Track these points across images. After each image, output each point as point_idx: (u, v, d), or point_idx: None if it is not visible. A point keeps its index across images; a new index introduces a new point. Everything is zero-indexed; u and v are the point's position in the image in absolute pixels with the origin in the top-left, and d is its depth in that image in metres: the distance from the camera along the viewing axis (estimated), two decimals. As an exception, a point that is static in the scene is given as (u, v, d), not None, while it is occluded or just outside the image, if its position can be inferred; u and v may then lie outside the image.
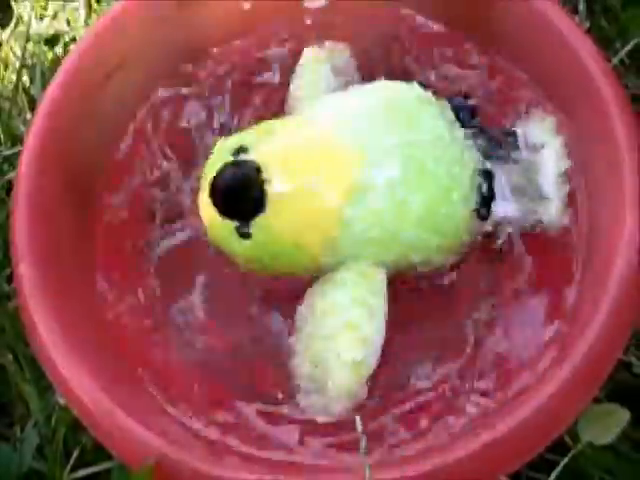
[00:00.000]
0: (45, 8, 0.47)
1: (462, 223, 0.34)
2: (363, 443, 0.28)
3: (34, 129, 0.37)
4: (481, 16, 0.39)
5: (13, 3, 0.48)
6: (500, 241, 0.35)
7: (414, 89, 0.35)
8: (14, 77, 0.45)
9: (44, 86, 0.43)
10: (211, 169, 0.32)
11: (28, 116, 0.43)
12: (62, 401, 0.37)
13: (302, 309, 0.34)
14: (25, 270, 0.34)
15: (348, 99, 0.35)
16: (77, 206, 0.37)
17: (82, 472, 0.36)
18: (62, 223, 0.36)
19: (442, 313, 0.35)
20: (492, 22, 0.39)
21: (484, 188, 0.34)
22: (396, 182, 0.32)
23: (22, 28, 0.46)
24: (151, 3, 0.40)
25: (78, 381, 0.32)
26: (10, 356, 0.39)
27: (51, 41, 0.45)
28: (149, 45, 0.40)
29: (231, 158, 0.32)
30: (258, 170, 0.31)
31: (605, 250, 0.33)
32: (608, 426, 0.30)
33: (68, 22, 0.47)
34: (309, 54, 0.39)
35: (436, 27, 0.40)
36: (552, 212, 0.35)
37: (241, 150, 0.32)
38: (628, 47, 0.40)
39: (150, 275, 0.37)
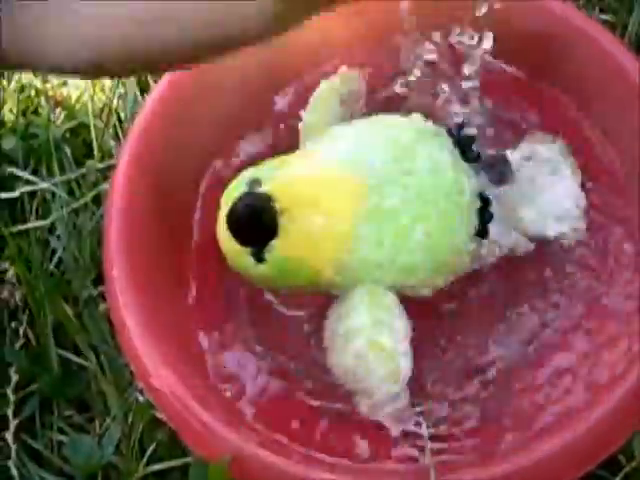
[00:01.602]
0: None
1: (462, 245, 0.36)
2: (427, 446, 0.30)
3: (129, 146, 0.40)
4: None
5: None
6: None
7: (413, 122, 0.37)
8: (103, 96, 0.49)
9: (135, 106, 0.47)
10: (227, 199, 0.35)
11: (118, 131, 0.47)
12: (141, 399, 0.40)
13: (326, 332, 0.36)
14: (117, 274, 0.37)
15: (351, 133, 0.38)
16: (166, 219, 0.40)
17: (157, 466, 0.38)
18: (152, 233, 0.39)
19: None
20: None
21: (482, 212, 0.36)
22: (398, 210, 0.35)
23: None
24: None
25: (162, 377, 0.35)
26: (93, 356, 0.42)
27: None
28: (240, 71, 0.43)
29: (246, 189, 0.35)
30: (270, 201, 0.34)
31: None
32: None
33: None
34: (324, 86, 0.41)
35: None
36: (566, 229, 0.37)
37: (255, 182, 0.35)
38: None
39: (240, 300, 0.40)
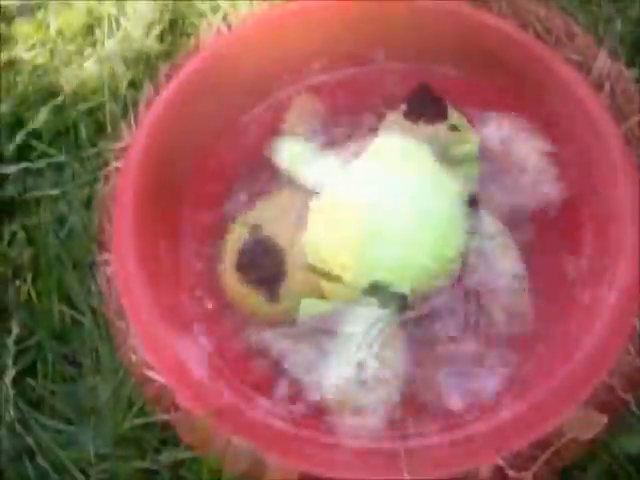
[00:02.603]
0: (151, 27, 0.56)
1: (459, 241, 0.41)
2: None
3: (142, 131, 0.44)
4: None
5: (121, 19, 0.56)
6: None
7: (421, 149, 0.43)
8: (114, 84, 0.53)
9: (147, 94, 0.51)
10: (232, 247, 0.40)
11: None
12: (133, 358, 0.44)
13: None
14: (124, 241, 0.41)
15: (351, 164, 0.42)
16: (167, 195, 0.45)
17: (144, 420, 0.42)
18: (155, 206, 0.43)
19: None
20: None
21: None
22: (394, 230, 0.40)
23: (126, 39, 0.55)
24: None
25: (160, 336, 0.39)
26: (91, 316, 0.46)
27: (158, 56, 0.53)
28: (239, 73, 0.48)
29: (248, 237, 0.39)
30: (273, 243, 0.38)
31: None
32: (589, 426, 0.37)
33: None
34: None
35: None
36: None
37: (256, 228, 0.39)
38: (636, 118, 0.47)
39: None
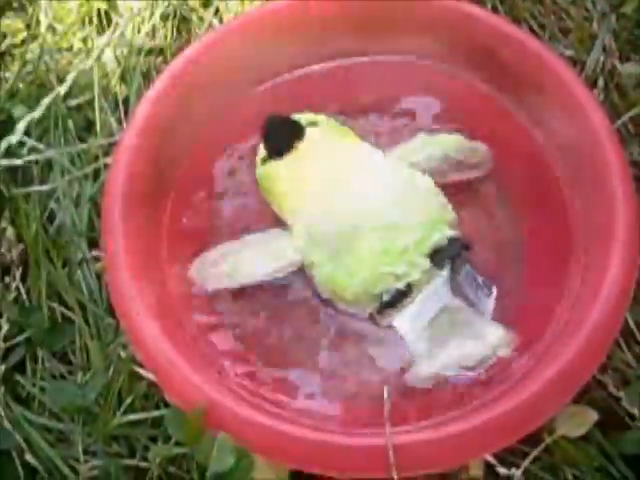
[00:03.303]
0: (143, 23, 0.56)
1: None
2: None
3: (133, 127, 0.44)
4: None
5: (112, 14, 0.56)
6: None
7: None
8: (105, 80, 0.53)
9: (138, 89, 0.51)
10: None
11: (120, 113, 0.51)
12: (123, 354, 0.44)
13: None
14: (114, 239, 0.41)
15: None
16: (155, 191, 0.44)
17: (132, 417, 0.42)
18: (145, 199, 0.43)
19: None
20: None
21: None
22: None
23: (117, 34, 0.54)
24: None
25: (148, 332, 0.39)
26: (80, 313, 0.46)
27: (149, 52, 0.54)
28: (229, 69, 0.48)
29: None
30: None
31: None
32: (580, 423, 0.37)
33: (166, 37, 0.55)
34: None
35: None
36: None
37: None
38: (630, 114, 0.47)
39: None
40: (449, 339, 0.39)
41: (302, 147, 0.43)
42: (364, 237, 0.39)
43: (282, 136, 0.43)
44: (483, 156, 0.45)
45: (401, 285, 0.39)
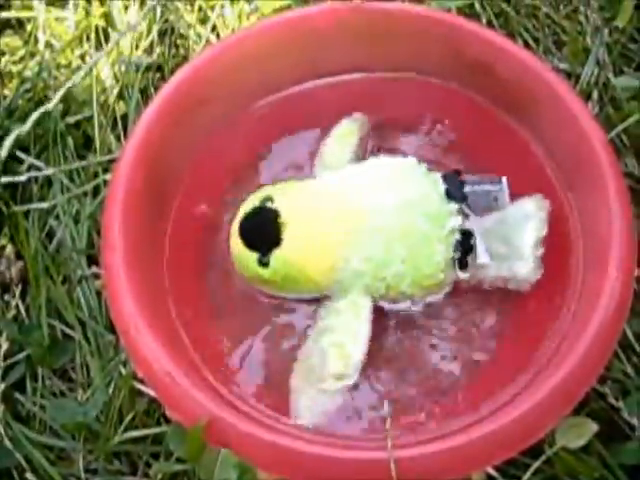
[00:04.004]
0: (140, 39, 0.56)
1: (440, 265, 0.41)
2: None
3: (132, 143, 0.44)
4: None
5: (110, 30, 0.57)
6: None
7: (411, 163, 0.44)
8: (104, 97, 0.53)
9: (137, 106, 0.51)
10: (243, 211, 0.42)
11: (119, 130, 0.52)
12: (124, 371, 0.44)
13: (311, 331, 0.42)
14: (114, 254, 0.41)
15: (357, 169, 0.44)
16: (155, 208, 0.45)
17: (134, 433, 0.42)
18: (145, 217, 0.43)
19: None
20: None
21: (464, 243, 0.42)
22: (386, 229, 0.41)
23: (115, 51, 0.55)
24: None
25: (149, 348, 0.39)
26: (80, 330, 0.46)
27: (147, 69, 0.54)
28: (227, 84, 0.48)
29: (258, 204, 0.42)
30: (277, 215, 0.41)
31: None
32: (580, 434, 0.37)
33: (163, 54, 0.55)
34: (344, 125, 0.47)
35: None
36: (524, 269, 0.42)
37: (267, 199, 0.42)
38: (624, 126, 0.48)
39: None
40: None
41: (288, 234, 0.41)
42: (394, 240, 0.41)
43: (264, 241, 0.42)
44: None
45: (457, 236, 0.42)
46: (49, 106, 0.50)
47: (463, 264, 0.42)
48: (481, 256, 0.41)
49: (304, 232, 0.41)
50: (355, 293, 0.41)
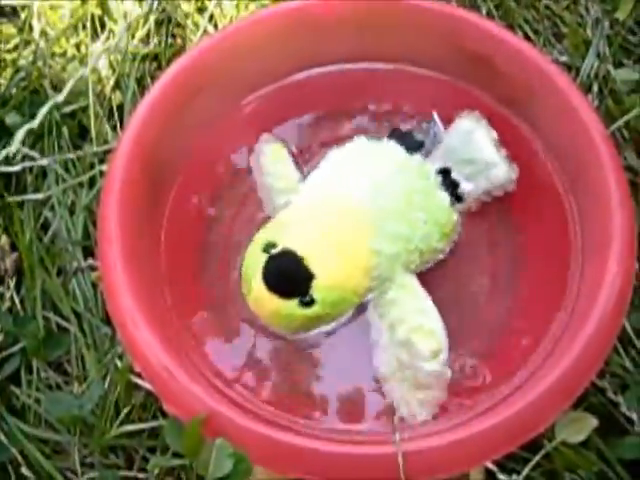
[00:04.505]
0: (137, 28, 0.55)
1: (449, 208, 0.43)
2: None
3: (128, 134, 0.44)
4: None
5: (106, 19, 0.56)
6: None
7: (365, 141, 0.44)
8: (100, 86, 0.53)
9: (133, 96, 0.51)
10: (252, 269, 0.39)
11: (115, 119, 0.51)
12: (119, 364, 0.43)
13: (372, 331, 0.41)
14: (110, 246, 0.40)
15: (329, 171, 0.43)
16: (152, 199, 0.44)
17: (130, 427, 0.42)
18: (141, 209, 0.43)
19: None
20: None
21: (447, 180, 0.43)
22: (393, 204, 0.41)
23: (111, 40, 0.54)
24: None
25: (146, 342, 0.38)
26: (76, 323, 0.45)
27: (144, 58, 0.53)
28: (225, 75, 0.47)
29: (265, 255, 0.39)
30: (293, 254, 0.38)
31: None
32: (580, 429, 0.37)
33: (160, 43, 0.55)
34: (265, 148, 0.46)
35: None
36: (500, 173, 0.44)
37: (270, 246, 0.39)
38: (624, 119, 0.48)
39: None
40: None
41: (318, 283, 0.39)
42: (406, 209, 0.42)
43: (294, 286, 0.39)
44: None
45: (439, 178, 0.43)
46: (58, 98, 0.49)
47: (458, 198, 0.43)
48: (463, 184, 0.44)
49: (326, 250, 0.39)
50: (398, 277, 0.41)
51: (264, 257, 0.39)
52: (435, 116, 0.46)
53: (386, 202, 0.41)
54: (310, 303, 0.39)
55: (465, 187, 0.44)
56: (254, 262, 0.39)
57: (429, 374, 0.38)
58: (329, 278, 0.39)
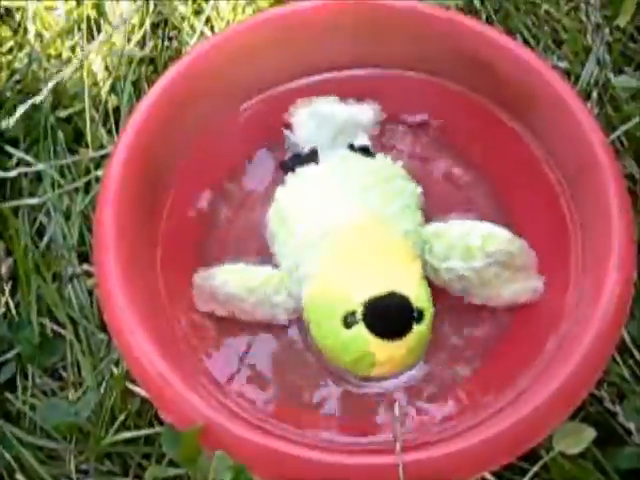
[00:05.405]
0: (133, 31, 0.55)
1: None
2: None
3: (124, 139, 0.43)
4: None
5: (102, 22, 0.55)
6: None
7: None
8: (95, 90, 0.52)
9: (129, 99, 0.50)
10: (333, 340, 0.39)
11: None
12: (115, 371, 0.43)
13: None
14: (106, 252, 0.40)
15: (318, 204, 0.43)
16: (148, 204, 0.44)
17: (126, 434, 0.41)
18: (137, 214, 0.43)
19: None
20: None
21: None
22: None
23: (107, 43, 0.54)
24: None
25: (142, 348, 0.38)
26: (71, 329, 0.45)
27: (140, 61, 0.53)
28: (223, 79, 0.47)
29: (343, 328, 0.39)
30: (401, 297, 0.39)
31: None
32: (578, 440, 0.37)
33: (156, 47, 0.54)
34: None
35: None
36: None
37: (350, 314, 0.38)
38: (624, 127, 0.48)
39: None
40: None
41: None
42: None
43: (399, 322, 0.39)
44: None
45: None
46: (37, 99, 0.49)
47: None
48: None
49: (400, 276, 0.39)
50: None
51: (341, 333, 0.38)
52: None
53: (376, 206, 0.41)
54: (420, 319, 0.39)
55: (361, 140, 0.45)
56: (333, 334, 0.39)
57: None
58: (420, 299, 0.39)
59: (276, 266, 0.43)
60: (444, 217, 0.44)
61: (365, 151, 0.45)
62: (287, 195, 0.44)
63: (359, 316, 0.38)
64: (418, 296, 0.39)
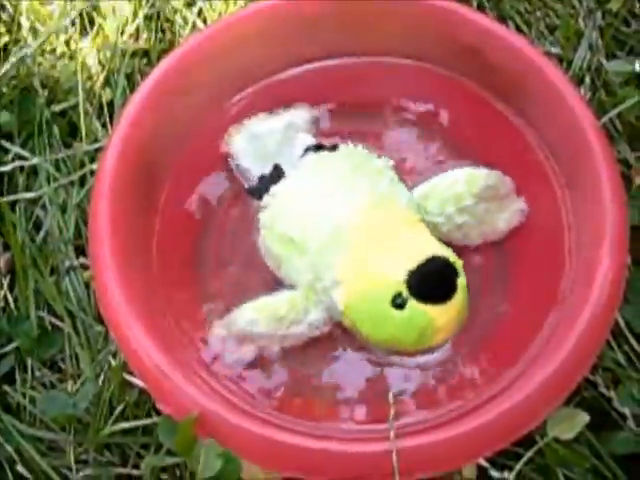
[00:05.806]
0: (126, 24, 0.55)
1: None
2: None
3: (118, 132, 0.43)
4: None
5: (95, 15, 0.56)
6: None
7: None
8: (89, 83, 0.52)
9: (123, 92, 0.51)
10: (390, 328, 0.39)
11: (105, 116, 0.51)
12: (113, 363, 0.43)
13: None
14: (102, 244, 0.40)
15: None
16: (143, 197, 0.44)
17: (124, 425, 0.42)
18: (132, 207, 0.43)
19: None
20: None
21: None
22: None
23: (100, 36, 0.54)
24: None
25: (139, 340, 0.38)
26: (69, 321, 0.45)
27: (133, 54, 0.53)
28: (217, 71, 0.47)
29: (396, 311, 0.38)
30: (445, 261, 0.39)
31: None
32: (572, 425, 0.37)
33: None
34: None
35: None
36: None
37: (398, 296, 0.38)
38: (616, 111, 0.48)
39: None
40: None
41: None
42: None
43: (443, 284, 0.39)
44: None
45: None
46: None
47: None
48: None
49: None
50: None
51: (390, 311, 0.38)
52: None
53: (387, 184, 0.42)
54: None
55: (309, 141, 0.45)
56: (395, 322, 0.39)
57: None
58: (450, 255, 0.40)
59: (291, 286, 0.42)
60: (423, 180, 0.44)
61: (321, 148, 0.45)
62: (278, 217, 0.43)
63: (406, 294, 0.38)
64: (448, 253, 0.40)
